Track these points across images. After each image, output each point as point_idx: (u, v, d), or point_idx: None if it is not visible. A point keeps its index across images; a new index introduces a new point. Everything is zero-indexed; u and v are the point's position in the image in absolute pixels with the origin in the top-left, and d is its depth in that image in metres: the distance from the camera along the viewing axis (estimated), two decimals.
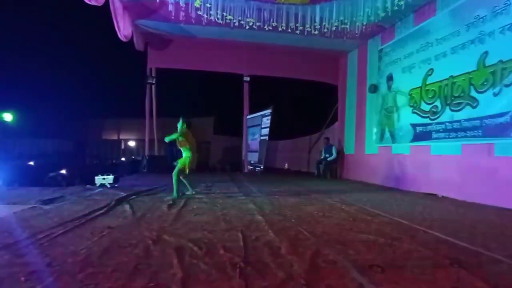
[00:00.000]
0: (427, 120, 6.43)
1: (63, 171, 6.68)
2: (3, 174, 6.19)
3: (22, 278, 1.81)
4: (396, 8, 6.07)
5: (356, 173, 9.11)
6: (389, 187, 7.24)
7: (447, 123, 5.90)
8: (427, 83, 6.49)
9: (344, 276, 1.96)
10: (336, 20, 6.84)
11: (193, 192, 5.36)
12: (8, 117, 11.19)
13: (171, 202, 4.55)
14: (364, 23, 6.83)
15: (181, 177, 5.12)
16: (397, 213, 4.01)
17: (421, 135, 6.60)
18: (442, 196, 5.72)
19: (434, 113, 6.24)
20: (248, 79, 11.45)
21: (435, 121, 6.20)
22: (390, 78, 7.83)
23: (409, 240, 2.79)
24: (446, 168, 5.87)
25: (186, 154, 5.11)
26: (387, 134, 7.80)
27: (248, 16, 6.89)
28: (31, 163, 7.39)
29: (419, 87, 6.71)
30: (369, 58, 8.83)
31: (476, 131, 5.27)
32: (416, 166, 6.68)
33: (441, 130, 6.04)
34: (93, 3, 5.67)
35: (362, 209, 4.31)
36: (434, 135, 6.21)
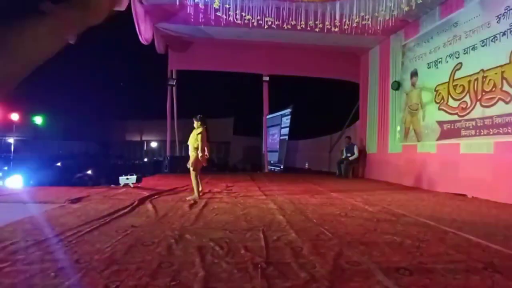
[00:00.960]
0: (455, 117, 6.15)
1: (89, 172, 6.93)
2: (34, 174, 6.51)
3: (52, 274, 1.88)
4: (421, 1, 5.84)
5: (378, 173, 8.87)
6: (413, 187, 6.99)
7: (477, 120, 5.62)
8: (455, 78, 6.21)
9: (369, 278, 1.89)
10: (357, 16, 6.67)
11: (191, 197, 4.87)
12: (38, 120, 11.77)
13: (192, 201, 4.61)
14: (387, 18, 6.62)
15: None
16: (424, 214, 3.86)
17: (448, 132, 6.32)
18: (472, 197, 5.46)
19: (463, 109, 5.96)
20: (267, 78, 11.41)
21: (465, 117, 5.92)
22: (414, 74, 7.56)
23: (437, 242, 2.67)
24: (476, 167, 5.58)
25: (191, 153, 4.99)
26: (412, 132, 7.54)
27: (267, 15, 6.86)
28: (59, 164, 7.71)
29: (446, 82, 6.43)
30: (392, 54, 8.57)
31: (509, 128, 4.98)
32: (444, 165, 6.40)
33: (471, 127, 5.76)
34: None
35: (386, 210, 4.17)
36: (463, 132, 5.93)
